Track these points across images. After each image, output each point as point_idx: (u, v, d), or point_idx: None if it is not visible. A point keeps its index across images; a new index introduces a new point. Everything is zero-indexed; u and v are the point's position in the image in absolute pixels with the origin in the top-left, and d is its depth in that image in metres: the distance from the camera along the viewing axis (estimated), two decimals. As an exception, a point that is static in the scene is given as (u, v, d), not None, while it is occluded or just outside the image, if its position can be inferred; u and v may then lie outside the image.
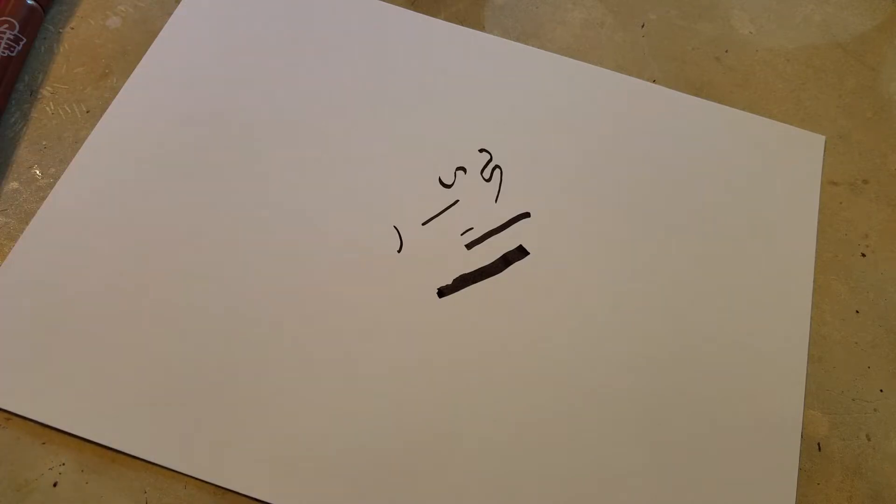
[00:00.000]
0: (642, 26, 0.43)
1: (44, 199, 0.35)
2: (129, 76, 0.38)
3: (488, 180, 0.37)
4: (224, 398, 0.31)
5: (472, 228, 0.36)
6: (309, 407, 0.31)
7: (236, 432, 0.30)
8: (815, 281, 0.36)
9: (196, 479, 0.30)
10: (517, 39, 0.42)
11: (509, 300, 0.34)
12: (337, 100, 0.39)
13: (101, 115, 0.37)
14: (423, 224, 0.36)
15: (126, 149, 0.36)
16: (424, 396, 0.32)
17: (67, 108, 0.38)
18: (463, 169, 0.37)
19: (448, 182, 0.37)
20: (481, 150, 0.38)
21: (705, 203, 0.38)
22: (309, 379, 0.32)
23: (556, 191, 0.37)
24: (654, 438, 0.32)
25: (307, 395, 0.31)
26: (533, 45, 0.41)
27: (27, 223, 0.34)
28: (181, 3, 0.41)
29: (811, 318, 0.35)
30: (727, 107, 0.40)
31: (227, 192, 0.35)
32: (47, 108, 0.37)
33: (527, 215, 0.37)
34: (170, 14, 0.40)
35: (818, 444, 0.33)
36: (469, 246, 0.36)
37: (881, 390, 0.34)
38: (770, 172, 0.39)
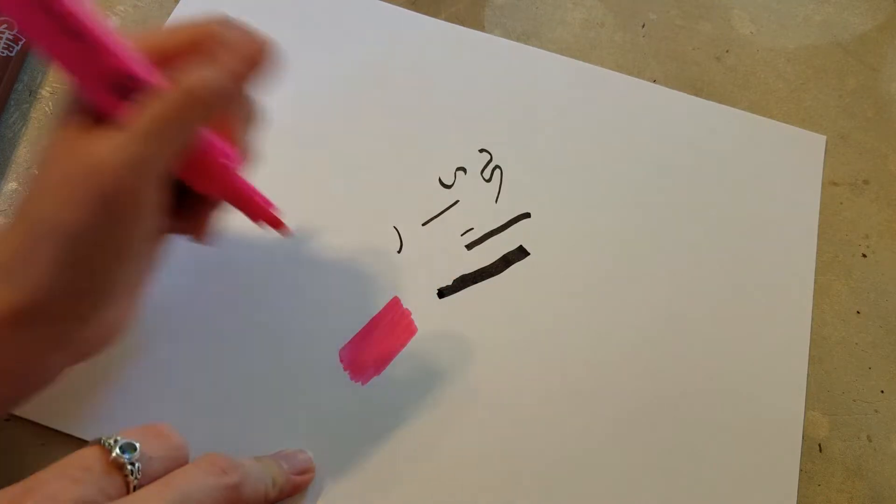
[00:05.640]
0: (642, 26, 0.43)
1: (43, 199, 0.35)
2: (128, 76, 0.38)
3: (488, 180, 0.37)
4: (226, 400, 0.31)
5: (472, 229, 0.36)
6: (309, 408, 0.31)
7: (231, 432, 0.30)
8: (815, 281, 0.36)
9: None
10: (517, 39, 0.42)
11: (509, 300, 0.34)
12: (336, 100, 0.39)
13: (100, 116, 0.37)
14: (423, 224, 0.36)
15: (125, 149, 0.36)
16: (423, 397, 0.32)
17: (67, 109, 0.37)
18: (463, 169, 0.37)
19: (448, 182, 0.37)
20: (481, 150, 0.38)
21: (705, 203, 0.37)
22: (308, 381, 0.32)
23: (556, 191, 0.37)
24: (653, 439, 0.32)
25: (305, 397, 0.31)
26: (533, 45, 0.41)
27: (26, 223, 0.34)
28: (180, 2, 0.41)
29: (812, 318, 0.35)
30: (727, 107, 0.40)
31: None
32: (46, 109, 0.37)
33: (527, 215, 0.37)
34: (169, 14, 0.40)
35: (819, 445, 0.33)
36: (469, 246, 0.36)
37: (882, 391, 0.34)
38: (770, 172, 0.38)
